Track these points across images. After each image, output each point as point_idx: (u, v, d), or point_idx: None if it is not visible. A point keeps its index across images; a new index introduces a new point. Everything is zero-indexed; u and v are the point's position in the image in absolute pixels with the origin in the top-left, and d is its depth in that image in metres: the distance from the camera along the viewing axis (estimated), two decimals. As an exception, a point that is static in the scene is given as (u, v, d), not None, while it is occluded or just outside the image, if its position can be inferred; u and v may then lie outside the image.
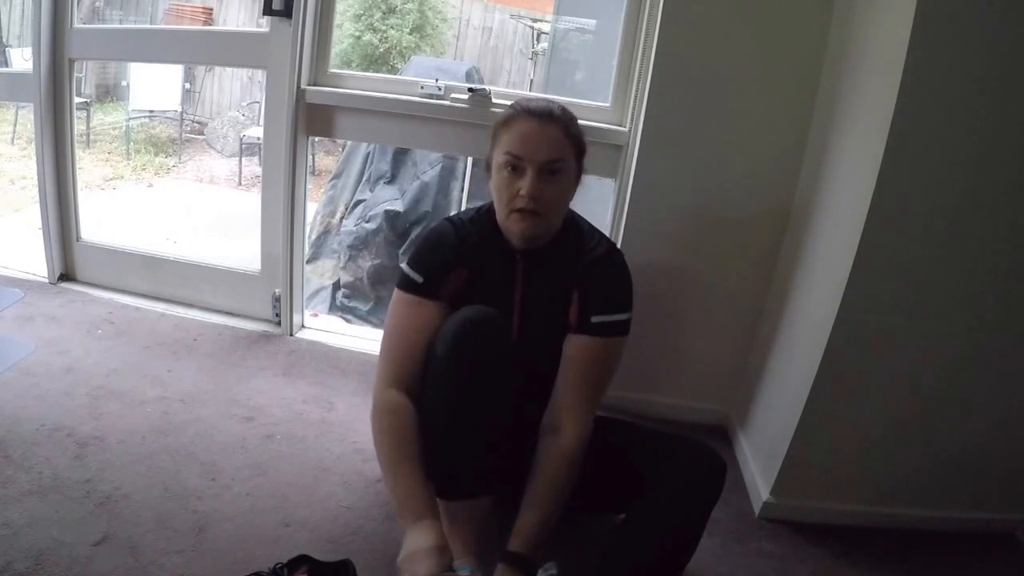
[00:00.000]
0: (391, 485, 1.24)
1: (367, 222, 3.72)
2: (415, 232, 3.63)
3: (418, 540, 1.13)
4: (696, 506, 1.24)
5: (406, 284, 1.35)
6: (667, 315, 1.98)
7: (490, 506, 1.30)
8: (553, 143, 1.30)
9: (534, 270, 1.38)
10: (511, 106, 1.37)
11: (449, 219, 1.42)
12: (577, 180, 1.38)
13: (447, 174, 3.79)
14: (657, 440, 1.37)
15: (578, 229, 1.42)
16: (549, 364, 1.36)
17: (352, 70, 4.20)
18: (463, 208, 3.64)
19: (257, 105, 5.66)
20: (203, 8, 6.03)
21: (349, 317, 3.60)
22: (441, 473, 1.28)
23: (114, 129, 5.82)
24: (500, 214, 1.35)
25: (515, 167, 1.29)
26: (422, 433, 1.27)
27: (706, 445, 1.31)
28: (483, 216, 1.40)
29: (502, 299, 1.36)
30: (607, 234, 1.53)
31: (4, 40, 5.52)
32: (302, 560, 1.26)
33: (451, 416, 1.25)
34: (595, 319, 1.34)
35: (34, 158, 2.30)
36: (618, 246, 1.80)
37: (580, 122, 1.39)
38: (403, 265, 1.37)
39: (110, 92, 6.35)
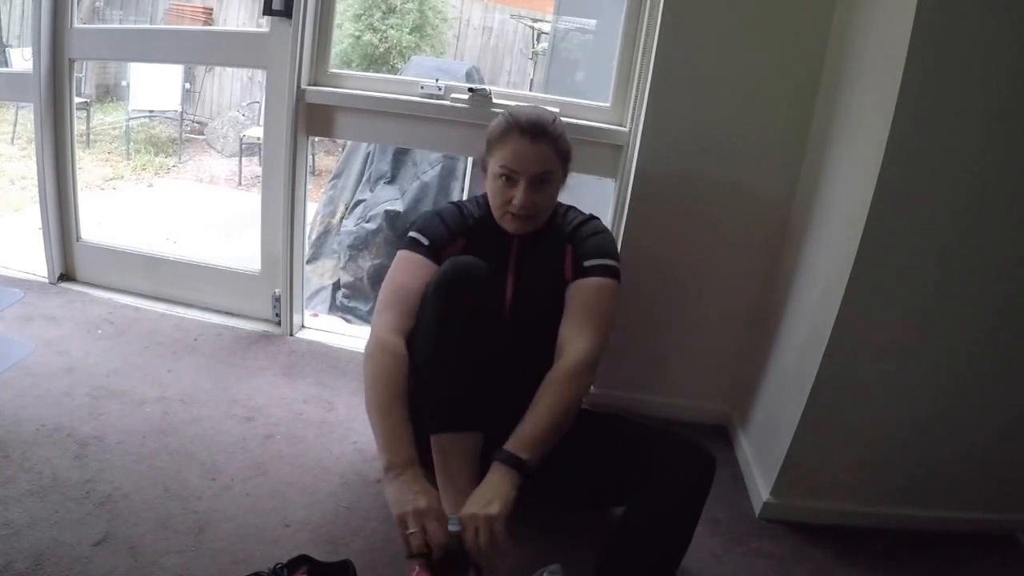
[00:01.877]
0: (381, 423, 1.27)
1: (367, 222, 3.72)
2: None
3: (416, 498, 1.16)
4: (687, 503, 1.26)
5: (412, 244, 1.46)
6: (667, 315, 1.98)
7: (479, 445, 1.32)
8: (543, 159, 1.42)
9: (527, 245, 1.50)
10: (504, 117, 1.45)
11: (453, 202, 1.59)
12: (563, 181, 1.50)
13: (447, 174, 3.78)
14: (646, 436, 1.39)
15: (562, 209, 1.57)
16: (545, 331, 1.41)
17: (352, 70, 4.20)
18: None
19: (257, 105, 5.66)
20: (203, 8, 6.03)
21: (349, 317, 3.59)
22: (440, 404, 1.32)
23: (114, 129, 5.82)
24: (495, 212, 1.48)
25: (509, 178, 1.42)
26: (419, 374, 1.33)
27: (695, 441, 1.33)
28: (482, 201, 1.54)
29: (498, 265, 1.45)
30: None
31: (4, 40, 5.52)
32: (302, 560, 1.26)
33: (436, 341, 1.32)
34: (587, 263, 1.45)
35: (34, 158, 2.30)
36: (618, 244, 1.83)
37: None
38: (410, 232, 1.47)
39: (110, 92, 6.35)
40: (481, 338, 1.33)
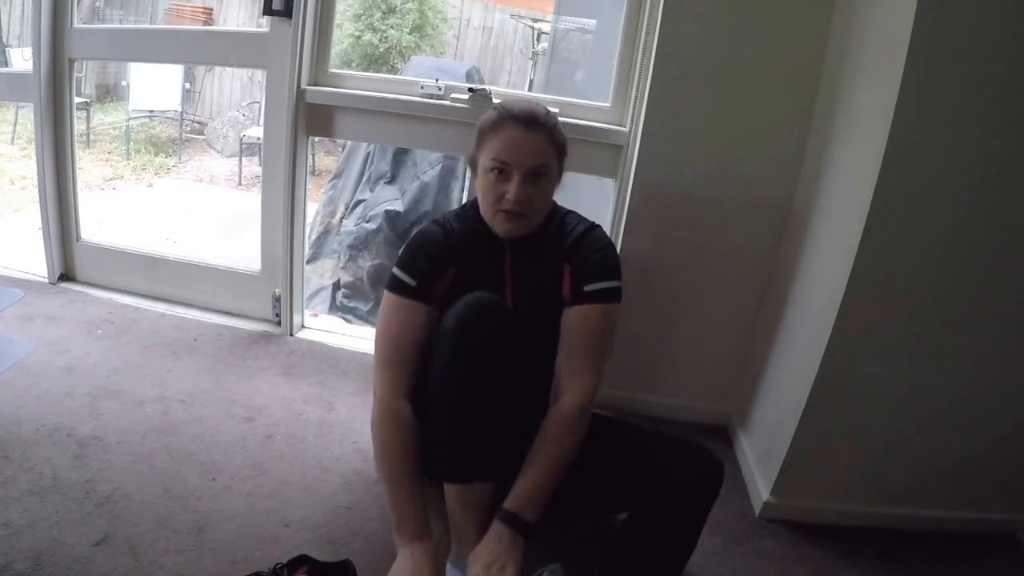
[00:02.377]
0: (392, 498, 1.29)
1: (367, 222, 3.72)
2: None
3: (411, 563, 1.21)
4: (694, 508, 1.26)
5: (398, 287, 1.38)
6: (667, 315, 1.98)
7: (490, 496, 1.30)
8: (538, 150, 1.34)
9: (522, 255, 1.42)
10: (496, 109, 1.39)
11: (435, 221, 1.46)
12: (559, 179, 1.42)
13: (447, 174, 3.78)
14: (654, 441, 1.37)
15: (559, 214, 1.47)
16: (544, 345, 1.39)
17: (352, 70, 4.20)
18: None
19: (257, 105, 5.66)
20: (203, 8, 6.03)
21: (349, 317, 3.60)
22: (452, 455, 1.29)
23: (114, 129, 5.82)
24: (486, 212, 1.38)
25: (502, 171, 1.34)
26: (430, 418, 1.30)
27: (703, 446, 1.32)
28: (468, 211, 1.45)
29: (494, 286, 1.39)
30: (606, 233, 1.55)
31: (4, 40, 5.52)
32: (302, 560, 1.26)
33: (463, 395, 1.27)
34: (588, 287, 1.37)
35: (34, 158, 2.30)
36: (617, 245, 1.83)
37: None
38: (394, 269, 1.40)
39: (110, 92, 6.35)
40: (494, 388, 1.28)
